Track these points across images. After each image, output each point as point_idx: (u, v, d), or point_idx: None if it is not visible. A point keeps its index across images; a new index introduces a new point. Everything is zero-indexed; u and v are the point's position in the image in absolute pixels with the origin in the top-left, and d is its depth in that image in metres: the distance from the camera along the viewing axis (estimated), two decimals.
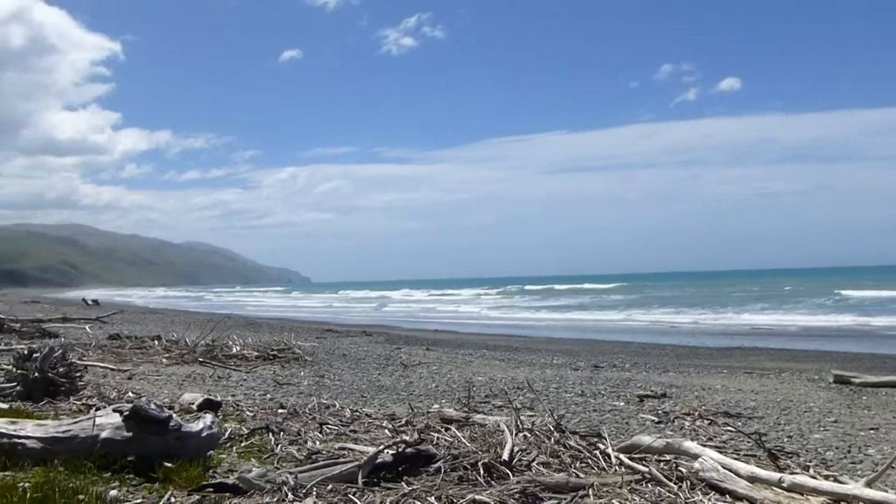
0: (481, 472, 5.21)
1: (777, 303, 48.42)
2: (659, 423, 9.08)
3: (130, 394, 9.28)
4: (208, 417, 6.18)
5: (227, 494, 4.89)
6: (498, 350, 20.29)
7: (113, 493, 4.94)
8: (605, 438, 6.23)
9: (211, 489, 4.98)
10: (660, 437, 6.53)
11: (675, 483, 5.18)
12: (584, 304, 57.68)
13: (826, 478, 5.40)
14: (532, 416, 8.38)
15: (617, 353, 20.03)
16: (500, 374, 13.89)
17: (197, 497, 4.91)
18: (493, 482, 5.07)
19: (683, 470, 5.44)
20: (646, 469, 5.42)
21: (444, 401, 10.43)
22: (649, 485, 5.19)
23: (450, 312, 52.20)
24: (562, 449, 5.94)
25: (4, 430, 5.61)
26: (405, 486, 5.02)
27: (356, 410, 8.60)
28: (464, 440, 6.18)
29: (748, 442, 7.36)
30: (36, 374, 8.63)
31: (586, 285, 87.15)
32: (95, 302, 48.03)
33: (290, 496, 4.76)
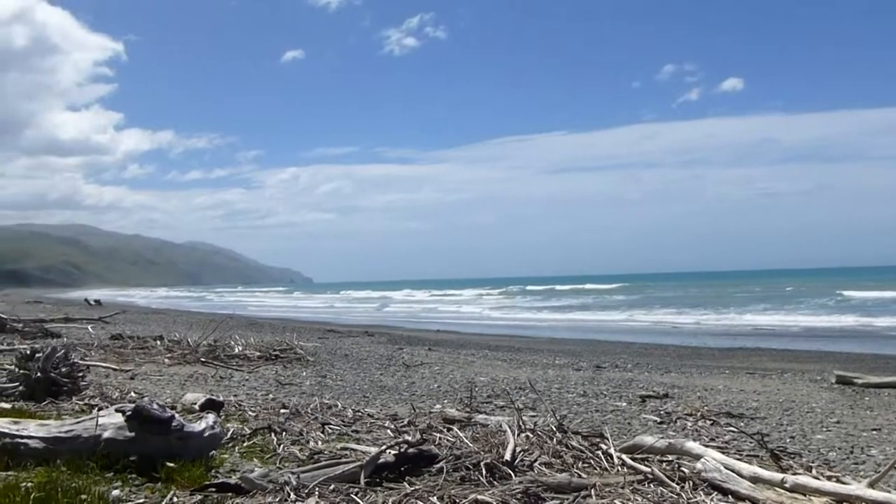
0: (483, 472, 5.21)
1: (779, 303, 48.37)
2: (661, 423, 9.07)
3: (133, 394, 9.29)
4: (210, 417, 6.18)
5: (230, 494, 4.89)
6: (500, 350, 20.29)
7: (115, 493, 4.94)
8: (608, 439, 6.23)
9: (213, 489, 4.98)
10: (662, 438, 6.53)
11: (678, 483, 5.17)
12: (585, 304, 57.67)
13: (829, 478, 5.40)
14: (534, 416, 8.38)
15: (619, 354, 20.03)
16: (502, 375, 13.89)
17: (199, 497, 4.91)
18: (495, 482, 5.07)
19: (686, 470, 5.43)
20: (648, 469, 5.42)
21: (446, 401, 10.43)
22: (652, 485, 5.19)
23: (451, 313, 52.21)
24: (564, 449, 5.94)
25: (7, 430, 5.61)
26: (407, 486, 5.02)
27: (358, 411, 8.60)
28: (466, 440, 6.18)
29: (750, 442, 7.36)
30: (38, 374, 8.63)
31: (588, 286, 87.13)
32: (98, 302, 48.02)
33: (293, 496, 4.77)
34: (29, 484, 4.85)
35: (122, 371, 12.11)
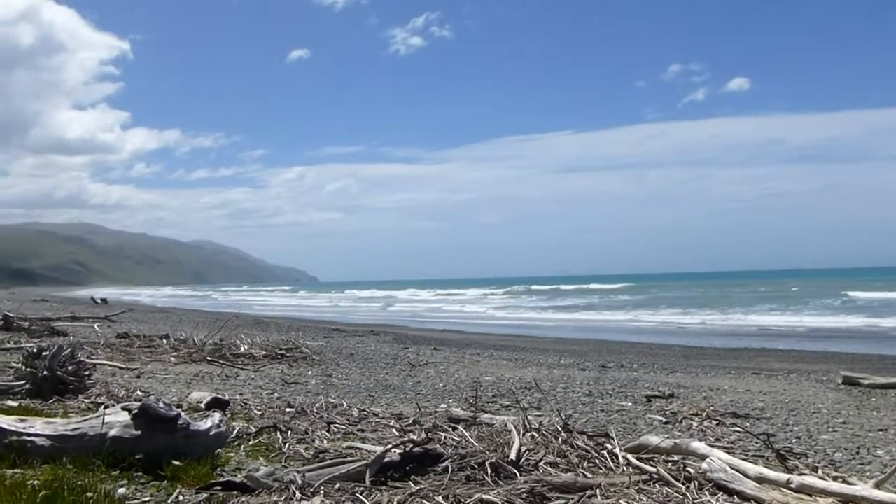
0: (489, 471, 5.21)
1: (785, 304, 48.25)
2: (667, 423, 9.05)
3: (139, 392, 9.31)
4: (216, 416, 6.19)
5: (235, 493, 4.90)
6: (505, 350, 20.27)
7: (121, 490, 4.96)
8: (613, 438, 6.22)
9: (219, 487, 4.99)
10: (668, 438, 6.52)
11: (683, 483, 5.16)
12: (591, 304, 57.61)
13: (835, 479, 5.38)
14: (539, 416, 8.38)
15: (624, 354, 20.00)
16: (507, 374, 13.89)
17: (205, 495, 4.92)
18: (500, 482, 5.07)
19: (691, 470, 5.42)
20: (654, 469, 5.41)
21: (451, 400, 10.42)
22: (657, 485, 5.18)
23: (456, 312, 52.24)
24: (569, 449, 5.93)
25: (14, 428, 5.63)
26: (413, 485, 5.03)
27: (364, 410, 8.61)
28: (471, 440, 6.18)
29: (756, 443, 7.34)
30: (45, 373, 8.67)
31: (593, 285, 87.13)
32: (104, 301, 48.19)
33: (298, 495, 4.77)
34: (36, 482, 4.87)
35: (128, 370, 12.14)
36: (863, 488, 5.01)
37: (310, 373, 13.29)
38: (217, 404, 8.11)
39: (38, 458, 5.42)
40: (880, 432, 8.84)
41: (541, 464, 5.58)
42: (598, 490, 4.97)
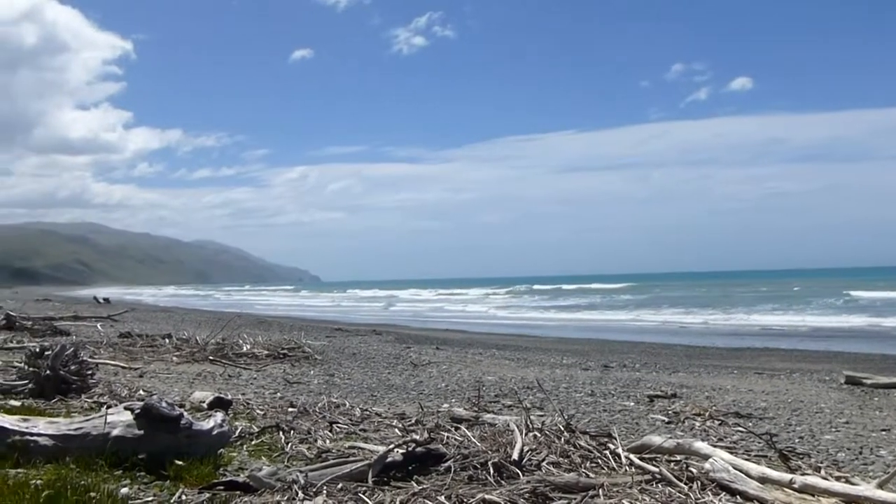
0: (491, 471, 5.20)
1: (787, 303, 48.21)
2: (669, 423, 9.05)
3: (141, 392, 9.32)
4: (219, 416, 6.20)
5: (238, 492, 4.91)
6: (507, 350, 20.26)
7: (124, 490, 4.97)
8: (616, 438, 6.22)
9: (221, 487, 5.00)
10: (670, 438, 6.51)
11: (686, 483, 5.16)
12: (593, 304, 57.59)
13: (837, 479, 5.37)
14: (542, 415, 8.36)
15: (627, 353, 19.98)
16: (509, 374, 13.88)
17: (208, 495, 4.92)
18: (503, 482, 5.07)
19: (694, 470, 5.41)
20: (656, 469, 5.40)
21: (453, 400, 10.42)
22: (660, 485, 5.18)
23: (458, 312, 52.23)
24: (572, 449, 5.93)
25: (17, 428, 5.64)
26: (415, 485, 5.03)
27: (366, 409, 8.61)
28: (474, 440, 6.18)
29: (759, 442, 7.33)
30: (48, 372, 8.67)
31: (595, 285, 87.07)
32: (106, 300, 48.27)
33: (301, 495, 4.77)
34: (39, 481, 4.88)
35: (131, 369, 12.15)
36: (866, 488, 5.00)
37: (312, 372, 13.29)
38: (219, 404, 8.11)
39: (41, 457, 5.43)
40: (883, 432, 8.82)
41: (543, 464, 5.57)
42: (600, 490, 4.97)
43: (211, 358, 13.86)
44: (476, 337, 26.67)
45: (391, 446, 5.53)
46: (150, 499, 4.92)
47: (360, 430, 7.40)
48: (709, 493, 5.03)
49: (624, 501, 4.83)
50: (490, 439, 6.18)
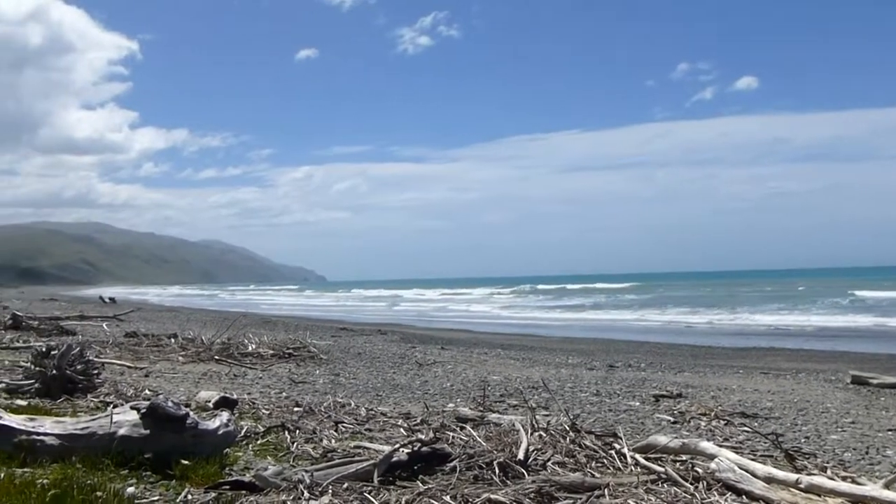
0: (497, 471, 5.20)
1: (792, 303, 48.12)
2: (675, 423, 9.03)
3: (147, 391, 9.34)
4: (224, 415, 6.20)
5: (244, 492, 4.91)
6: (512, 349, 20.25)
7: (130, 490, 4.98)
8: (621, 438, 6.21)
9: (227, 487, 5.00)
10: (676, 438, 6.51)
11: (692, 483, 5.15)
12: (597, 303, 57.51)
13: (844, 479, 5.36)
14: (547, 415, 8.36)
15: (632, 353, 19.95)
16: (514, 374, 13.88)
17: (213, 494, 4.93)
18: (508, 481, 5.07)
19: (700, 470, 5.41)
20: (662, 469, 5.40)
21: (459, 400, 10.43)
22: (665, 485, 5.17)
23: (462, 311, 52.25)
24: (577, 448, 5.93)
25: (24, 427, 5.66)
26: (420, 484, 5.02)
27: (371, 409, 8.62)
28: (479, 439, 6.18)
29: (765, 443, 7.32)
30: (54, 372, 8.69)
31: (599, 285, 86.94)
32: (112, 300, 48.41)
33: (306, 494, 4.78)
34: (45, 481, 4.89)
35: (137, 369, 12.19)
36: (872, 488, 4.98)
37: (317, 372, 13.31)
38: (225, 403, 8.13)
39: (47, 457, 5.45)
40: (890, 432, 8.80)
41: (549, 463, 5.57)
42: (606, 490, 4.97)
43: (216, 357, 13.89)
44: (481, 336, 26.67)
45: (396, 446, 5.53)
46: (155, 498, 4.93)
47: (366, 429, 7.40)
48: (714, 492, 5.03)
49: (629, 501, 4.82)
50: (495, 439, 6.18)
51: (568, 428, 6.42)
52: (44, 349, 9.21)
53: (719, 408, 9.89)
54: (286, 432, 6.89)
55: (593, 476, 5.28)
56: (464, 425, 7.09)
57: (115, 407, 6.34)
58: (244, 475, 5.20)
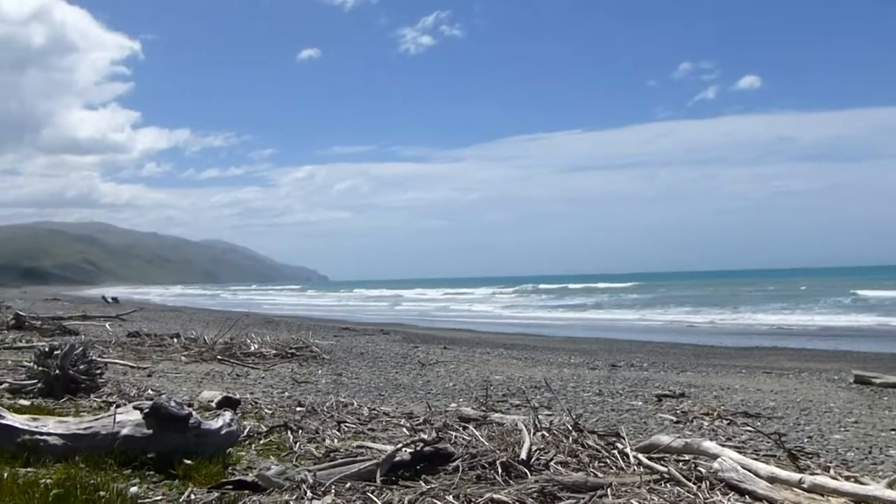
0: (499, 471, 5.20)
1: (794, 302, 48.09)
2: (677, 422, 9.03)
3: (150, 391, 9.34)
4: (227, 415, 6.21)
5: (247, 492, 4.92)
6: (515, 349, 20.24)
7: (133, 489, 4.98)
8: (624, 438, 6.21)
9: (230, 486, 5.01)
10: (678, 437, 6.50)
11: (694, 483, 5.15)
12: (600, 303, 57.51)
13: (847, 479, 5.36)
14: (550, 415, 8.36)
15: (634, 353, 19.94)
16: (517, 373, 13.88)
17: (216, 494, 4.93)
18: (511, 481, 5.07)
19: (702, 470, 5.41)
20: (664, 469, 5.40)
21: (461, 399, 10.43)
22: (668, 485, 5.17)
23: (465, 311, 52.25)
24: (580, 448, 5.93)
25: (27, 427, 5.67)
26: (423, 484, 5.03)
27: (374, 409, 8.61)
28: (482, 439, 6.18)
29: (768, 442, 7.31)
30: (57, 372, 8.70)
31: (601, 284, 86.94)
32: (115, 300, 48.44)
33: (309, 494, 4.78)
34: (48, 480, 4.90)
35: (140, 368, 12.20)
36: (875, 488, 4.98)
37: (320, 372, 13.31)
38: (228, 403, 8.13)
39: (50, 456, 5.45)
40: (893, 432, 8.79)
41: (551, 463, 5.57)
42: (608, 489, 4.97)
43: (219, 357, 13.90)
44: (483, 336, 26.66)
45: (399, 446, 5.54)
46: (159, 498, 4.94)
47: (369, 429, 7.40)
48: (717, 492, 5.03)
49: (632, 501, 4.82)
50: (498, 439, 6.18)
51: (570, 427, 6.42)
52: (47, 349, 9.22)
53: (722, 407, 9.88)
54: (289, 432, 6.89)
55: (596, 476, 5.28)
56: (466, 425, 7.10)
57: (118, 407, 6.34)
58: (247, 475, 5.21)
